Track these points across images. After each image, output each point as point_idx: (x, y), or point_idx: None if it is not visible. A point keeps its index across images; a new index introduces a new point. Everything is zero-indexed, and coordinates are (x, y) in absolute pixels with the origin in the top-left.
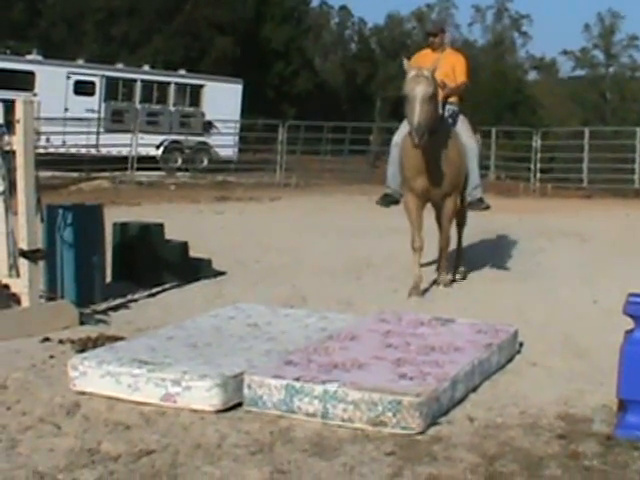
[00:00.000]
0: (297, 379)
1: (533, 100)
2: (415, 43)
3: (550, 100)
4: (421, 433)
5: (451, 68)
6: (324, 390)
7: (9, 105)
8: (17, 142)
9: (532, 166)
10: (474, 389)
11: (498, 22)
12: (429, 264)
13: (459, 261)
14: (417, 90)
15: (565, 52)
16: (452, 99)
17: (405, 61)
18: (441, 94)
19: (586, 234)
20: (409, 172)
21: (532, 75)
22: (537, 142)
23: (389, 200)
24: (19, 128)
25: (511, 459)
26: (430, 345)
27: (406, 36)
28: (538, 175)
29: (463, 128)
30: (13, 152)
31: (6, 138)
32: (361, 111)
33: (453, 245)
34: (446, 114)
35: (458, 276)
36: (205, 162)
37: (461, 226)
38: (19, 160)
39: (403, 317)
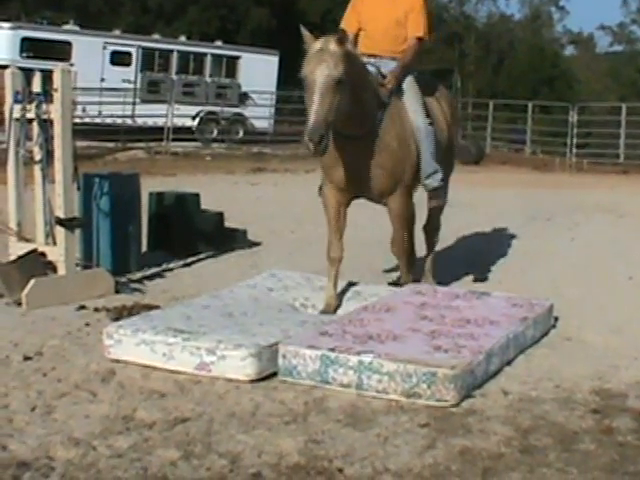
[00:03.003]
0: (332, 349)
1: (570, 75)
2: (452, 17)
3: (587, 75)
4: (455, 405)
5: (404, 15)
6: (359, 361)
7: (47, 74)
8: (55, 111)
9: (568, 141)
10: (509, 362)
11: None
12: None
13: (428, 276)
14: (318, 74)
15: (603, 27)
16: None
17: (303, 29)
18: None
19: (622, 210)
20: (326, 158)
21: (569, 50)
22: (574, 117)
23: None
24: (57, 97)
25: (545, 433)
26: (465, 318)
27: (443, 9)
28: (574, 150)
29: (410, 100)
30: (51, 121)
31: (44, 107)
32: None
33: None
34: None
35: None
36: (241, 133)
37: (432, 231)
38: (57, 129)
39: (438, 289)
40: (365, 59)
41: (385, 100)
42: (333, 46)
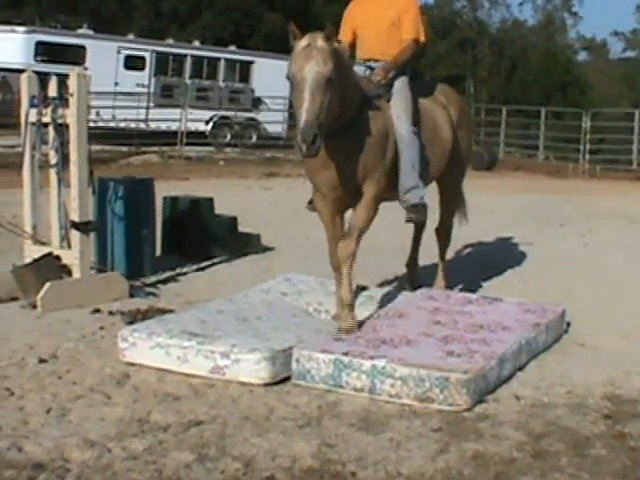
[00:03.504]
0: (345, 354)
1: (583, 81)
2: (465, 23)
3: (600, 81)
4: (468, 410)
5: (397, 15)
6: (372, 365)
7: (61, 78)
8: (70, 115)
9: (581, 147)
10: (521, 368)
11: (549, 2)
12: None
13: (440, 281)
14: (307, 71)
15: (616, 33)
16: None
17: (291, 27)
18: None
19: (635, 216)
20: (311, 163)
21: (582, 56)
22: (587, 123)
23: None
24: (72, 101)
25: (557, 438)
26: (478, 323)
27: (456, 15)
28: (587, 156)
29: (397, 105)
30: (66, 125)
31: (60, 111)
32: None
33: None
34: (372, 92)
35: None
36: (254, 138)
37: (444, 234)
38: (72, 133)
39: (451, 295)
40: (361, 64)
41: (370, 96)
42: (321, 42)
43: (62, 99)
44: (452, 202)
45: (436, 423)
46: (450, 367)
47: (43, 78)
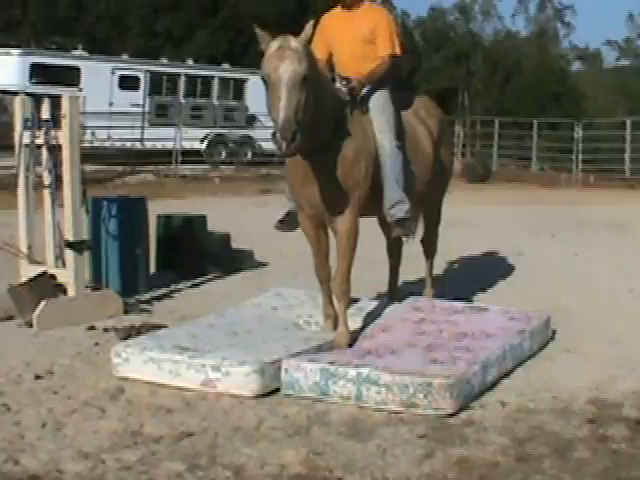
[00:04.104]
0: (331, 363)
1: (577, 91)
2: (459, 36)
3: (595, 91)
4: (453, 416)
5: (370, 32)
6: (357, 373)
7: (55, 100)
8: (63, 137)
9: (574, 157)
10: (507, 374)
11: (541, 13)
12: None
13: (428, 290)
14: (282, 70)
15: (609, 42)
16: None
17: (258, 30)
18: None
19: (627, 224)
20: (292, 179)
21: (576, 66)
22: (579, 133)
23: (293, 220)
24: (65, 123)
25: (541, 442)
26: (462, 332)
27: (449, 28)
28: (580, 166)
29: (378, 118)
30: (59, 146)
31: (52, 133)
32: None
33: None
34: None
35: None
36: (249, 155)
37: (430, 243)
38: (65, 154)
39: (437, 304)
40: (337, 82)
41: (344, 99)
42: (294, 43)
43: (55, 120)
44: (435, 215)
45: (422, 429)
46: (433, 373)
47: (38, 99)
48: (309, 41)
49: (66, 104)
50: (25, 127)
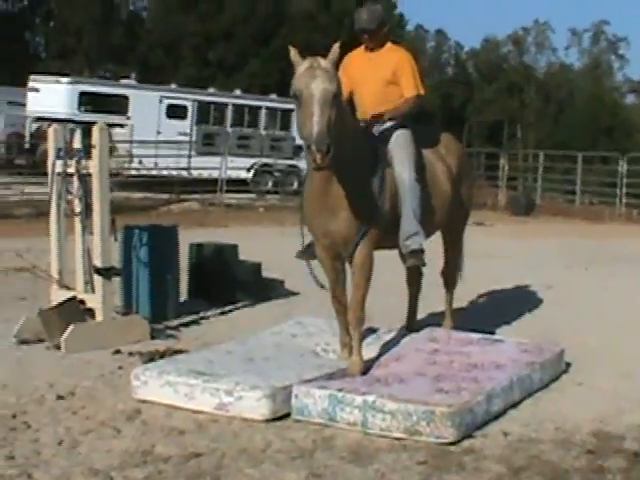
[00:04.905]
0: (339, 389)
1: (630, 124)
2: (512, 68)
3: None
4: (455, 444)
5: (392, 73)
6: (363, 400)
7: (86, 130)
8: (93, 166)
9: (618, 191)
10: (515, 405)
11: (595, 45)
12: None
13: (448, 321)
14: (314, 87)
15: None
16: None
17: (293, 51)
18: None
19: None
20: (309, 208)
21: (630, 99)
22: (624, 167)
23: (313, 250)
24: (95, 153)
25: (537, 471)
26: (473, 363)
27: (502, 60)
28: (624, 200)
29: (399, 151)
30: (90, 175)
31: (83, 162)
32: (455, 135)
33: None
34: (376, 129)
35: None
36: (295, 185)
37: (451, 275)
38: (95, 183)
39: (453, 335)
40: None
41: (364, 131)
42: (324, 63)
43: (86, 150)
44: (455, 248)
45: (422, 456)
46: (436, 402)
47: (87, 128)
48: (336, 63)
49: (96, 135)
50: (57, 156)
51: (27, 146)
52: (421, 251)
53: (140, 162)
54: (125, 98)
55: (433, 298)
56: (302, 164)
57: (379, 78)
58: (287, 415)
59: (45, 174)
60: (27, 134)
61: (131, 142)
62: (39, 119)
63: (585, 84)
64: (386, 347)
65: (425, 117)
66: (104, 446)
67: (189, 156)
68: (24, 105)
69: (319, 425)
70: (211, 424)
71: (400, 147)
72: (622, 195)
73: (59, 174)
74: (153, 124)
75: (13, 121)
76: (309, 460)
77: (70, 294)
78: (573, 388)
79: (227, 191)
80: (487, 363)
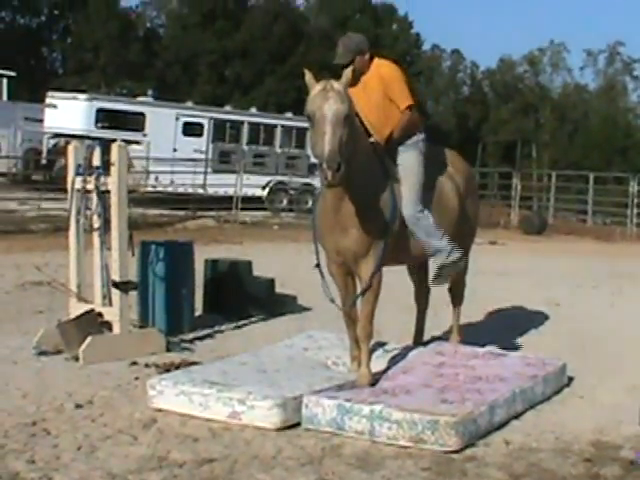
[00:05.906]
0: (348, 400)
1: None
2: (527, 88)
3: None
4: (458, 452)
5: (383, 95)
6: (370, 410)
7: (105, 146)
8: (112, 183)
9: (629, 211)
10: (517, 416)
11: (610, 66)
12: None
13: (454, 335)
14: (326, 108)
15: None
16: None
17: (308, 74)
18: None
19: None
20: (321, 225)
21: None
22: (634, 187)
23: None
24: (114, 170)
25: (535, 478)
26: (478, 375)
27: (518, 80)
28: (635, 220)
29: (403, 175)
30: (108, 192)
31: (102, 179)
32: (470, 154)
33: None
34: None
35: None
36: (309, 203)
37: (457, 290)
38: (113, 199)
39: (459, 349)
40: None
41: (383, 152)
42: (337, 85)
43: (105, 167)
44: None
45: (426, 463)
46: (441, 412)
47: (106, 144)
48: (348, 85)
49: (115, 152)
50: (77, 173)
51: (44, 162)
52: (452, 263)
53: (156, 179)
54: (142, 115)
55: (444, 315)
56: (317, 182)
57: (375, 103)
58: (297, 424)
59: (62, 190)
60: (44, 150)
61: (147, 159)
62: (56, 135)
63: (600, 105)
64: (394, 360)
65: (440, 136)
66: (121, 452)
67: (205, 173)
68: (41, 121)
69: (328, 433)
70: (224, 432)
71: (405, 174)
72: (633, 215)
73: (78, 190)
74: (169, 141)
75: (30, 137)
76: (318, 466)
77: (88, 307)
78: (574, 401)
79: (242, 208)
80: (491, 376)
